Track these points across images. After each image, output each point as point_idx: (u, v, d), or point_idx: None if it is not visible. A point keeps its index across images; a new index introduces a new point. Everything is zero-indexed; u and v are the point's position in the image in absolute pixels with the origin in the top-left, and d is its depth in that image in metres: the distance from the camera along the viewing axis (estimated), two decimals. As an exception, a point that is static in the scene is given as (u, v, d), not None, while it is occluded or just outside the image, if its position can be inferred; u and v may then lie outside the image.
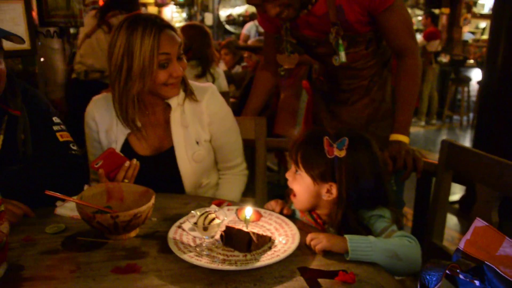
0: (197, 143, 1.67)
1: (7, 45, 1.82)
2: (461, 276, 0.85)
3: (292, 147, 1.32)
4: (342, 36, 1.71)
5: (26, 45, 1.90)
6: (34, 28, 1.96)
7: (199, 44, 3.31)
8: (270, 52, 2.02)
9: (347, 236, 1.13)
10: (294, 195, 1.34)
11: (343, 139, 1.23)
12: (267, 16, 1.82)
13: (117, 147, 1.65)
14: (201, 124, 1.68)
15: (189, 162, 1.66)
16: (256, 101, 2.09)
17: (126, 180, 1.48)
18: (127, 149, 1.66)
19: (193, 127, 1.67)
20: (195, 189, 1.71)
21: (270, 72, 2.08)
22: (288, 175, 1.34)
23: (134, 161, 1.51)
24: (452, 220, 3.67)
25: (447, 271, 0.83)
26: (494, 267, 0.81)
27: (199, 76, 3.25)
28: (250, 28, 7.35)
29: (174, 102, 1.66)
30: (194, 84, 1.73)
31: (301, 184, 1.30)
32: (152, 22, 1.50)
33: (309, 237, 1.17)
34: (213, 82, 3.33)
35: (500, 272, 0.81)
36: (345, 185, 1.23)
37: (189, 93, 1.68)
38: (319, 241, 1.14)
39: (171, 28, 1.55)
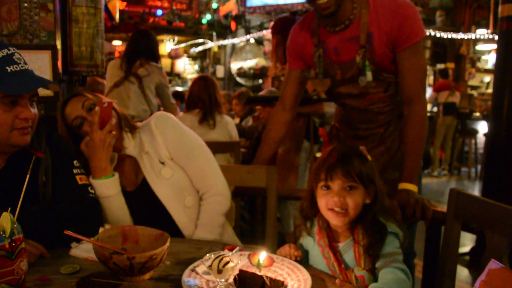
0: (162, 163, 1.76)
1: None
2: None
3: (337, 165, 1.33)
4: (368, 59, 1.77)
5: (49, 92, 1.98)
6: (58, 76, 2.05)
7: (198, 91, 3.42)
8: (289, 93, 2.06)
9: None
10: (343, 213, 1.33)
11: (361, 146, 1.38)
12: (298, 51, 1.93)
13: None
14: (158, 145, 1.78)
15: (160, 181, 1.74)
16: (267, 150, 2.11)
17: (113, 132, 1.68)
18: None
19: (152, 150, 1.78)
20: (183, 210, 1.75)
21: (283, 119, 2.09)
22: (339, 194, 1.33)
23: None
24: (463, 272, 3.60)
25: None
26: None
27: (200, 122, 3.33)
28: None
29: (124, 150, 1.78)
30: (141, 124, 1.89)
31: (358, 196, 1.33)
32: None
33: None
34: (214, 128, 3.38)
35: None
36: (379, 183, 1.36)
37: (133, 129, 1.82)
38: None
39: (78, 95, 1.75)
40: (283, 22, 3.72)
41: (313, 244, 1.44)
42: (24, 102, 1.37)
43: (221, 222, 1.79)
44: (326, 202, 1.35)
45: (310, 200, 1.44)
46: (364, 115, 1.93)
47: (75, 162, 1.59)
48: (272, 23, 3.61)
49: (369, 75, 1.78)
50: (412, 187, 1.71)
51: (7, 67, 1.33)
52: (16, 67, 1.34)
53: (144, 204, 1.75)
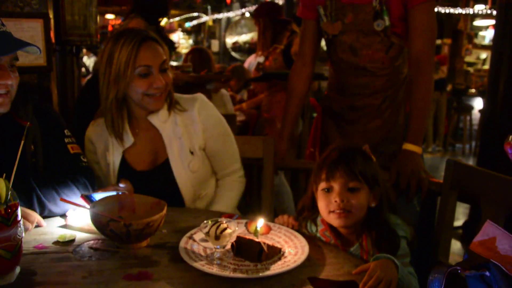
0: (192, 153, 1.69)
1: (25, 61, 1.87)
2: (467, 273, 0.87)
3: (339, 163, 1.26)
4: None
5: (42, 62, 1.95)
6: (51, 46, 2.01)
7: (193, 63, 3.44)
8: (307, 47, 2.04)
9: (393, 259, 1.10)
10: (345, 214, 1.26)
11: (365, 145, 1.33)
12: (307, 2, 1.93)
13: (115, 167, 1.68)
14: (195, 133, 1.70)
15: (185, 173, 1.67)
16: (294, 108, 2.08)
17: None
18: (124, 166, 1.69)
19: (186, 137, 1.69)
20: (194, 201, 1.72)
21: (305, 74, 2.07)
22: (341, 195, 1.25)
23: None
24: (456, 245, 3.64)
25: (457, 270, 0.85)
26: (499, 264, 0.84)
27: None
28: (250, 65, 7.29)
29: (155, 119, 1.67)
30: (181, 96, 1.76)
31: (363, 198, 1.26)
32: (136, 34, 1.57)
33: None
34: (209, 100, 3.40)
35: (505, 270, 0.83)
36: (383, 185, 1.31)
37: (173, 105, 1.70)
38: (377, 279, 1.03)
39: (157, 42, 1.60)
40: (267, 5, 3.78)
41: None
42: (2, 66, 1.30)
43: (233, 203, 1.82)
44: (327, 204, 1.27)
45: (311, 203, 1.38)
46: (359, 78, 1.91)
47: (66, 131, 1.57)
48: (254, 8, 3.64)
49: (386, 20, 1.78)
50: (416, 149, 1.71)
51: None
52: None
53: (159, 186, 1.66)
